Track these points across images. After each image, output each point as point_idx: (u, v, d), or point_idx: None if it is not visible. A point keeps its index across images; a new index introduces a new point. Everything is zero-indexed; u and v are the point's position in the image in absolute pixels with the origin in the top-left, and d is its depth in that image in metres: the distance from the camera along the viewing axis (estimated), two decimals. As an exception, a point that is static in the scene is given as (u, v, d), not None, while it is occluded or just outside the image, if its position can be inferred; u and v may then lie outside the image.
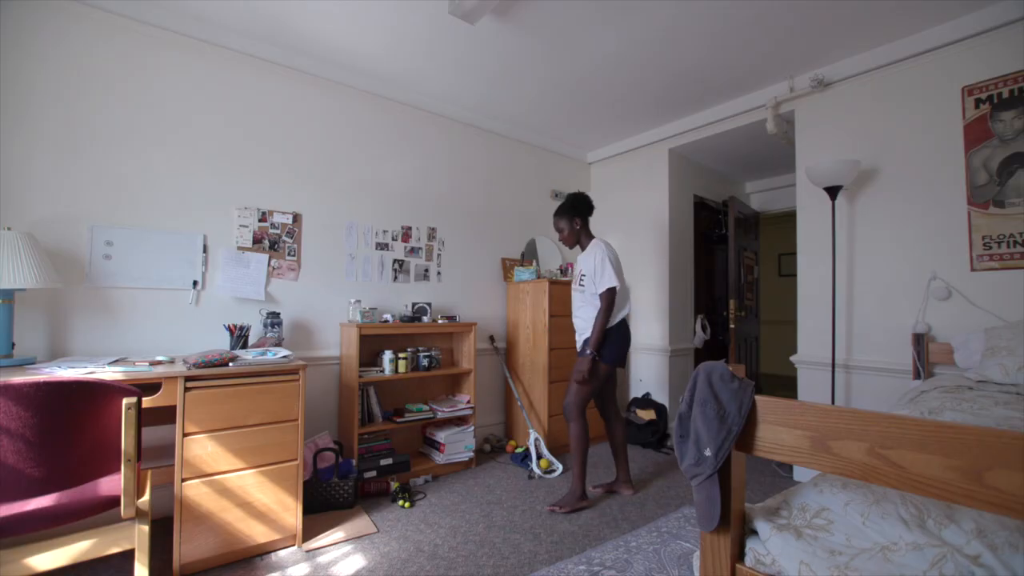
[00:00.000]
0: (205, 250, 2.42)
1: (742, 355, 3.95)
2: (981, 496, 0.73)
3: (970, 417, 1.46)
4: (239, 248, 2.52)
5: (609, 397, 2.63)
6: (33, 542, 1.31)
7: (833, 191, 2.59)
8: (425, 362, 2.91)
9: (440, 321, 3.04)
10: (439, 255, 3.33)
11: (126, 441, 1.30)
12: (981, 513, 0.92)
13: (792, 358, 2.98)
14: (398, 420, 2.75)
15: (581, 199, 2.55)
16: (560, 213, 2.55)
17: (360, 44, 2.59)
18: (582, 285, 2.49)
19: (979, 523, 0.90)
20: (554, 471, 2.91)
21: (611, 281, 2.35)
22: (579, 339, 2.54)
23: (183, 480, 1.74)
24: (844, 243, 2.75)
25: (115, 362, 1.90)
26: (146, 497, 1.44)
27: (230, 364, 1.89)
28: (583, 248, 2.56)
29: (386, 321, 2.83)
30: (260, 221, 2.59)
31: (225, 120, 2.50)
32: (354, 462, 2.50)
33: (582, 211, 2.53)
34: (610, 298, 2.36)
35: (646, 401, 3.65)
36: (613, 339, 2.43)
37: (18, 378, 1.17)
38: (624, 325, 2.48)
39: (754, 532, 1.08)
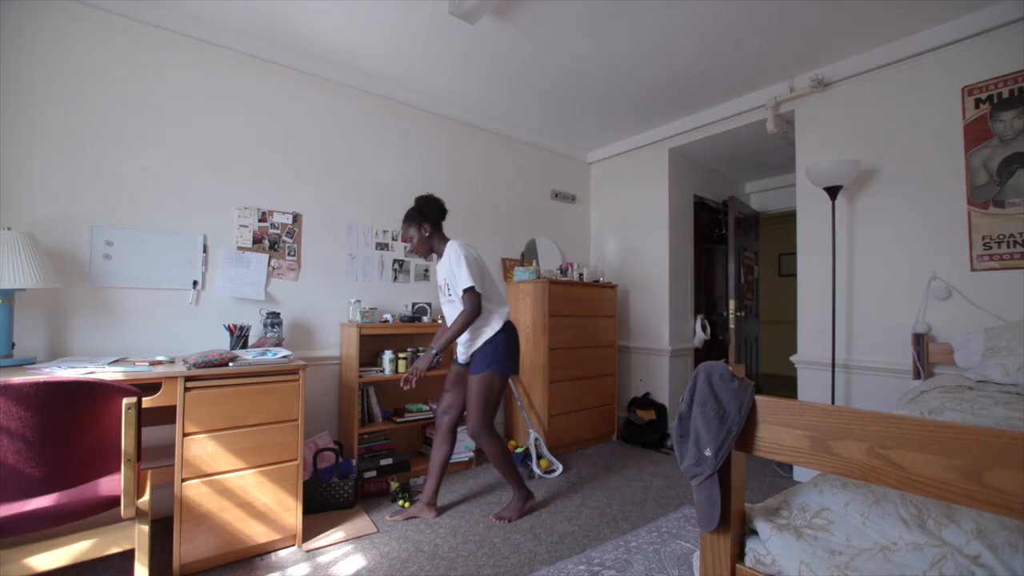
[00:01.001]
0: (205, 250, 2.42)
1: (742, 355, 3.95)
2: (981, 496, 0.73)
3: (970, 417, 1.46)
4: (239, 248, 2.52)
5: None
6: (33, 542, 1.31)
7: (833, 191, 2.59)
8: (425, 362, 2.90)
9: (440, 321, 3.04)
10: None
11: (126, 441, 1.30)
12: (981, 513, 0.92)
13: (792, 358, 2.98)
14: (398, 420, 2.75)
15: (428, 201, 2.30)
16: (406, 220, 2.29)
17: (360, 44, 2.59)
18: (451, 295, 2.25)
19: (979, 523, 0.90)
20: (554, 471, 2.91)
21: (466, 281, 2.11)
22: (462, 353, 2.31)
23: (183, 480, 1.74)
24: (844, 243, 2.75)
25: (115, 362, 1.90)
26: (146, 497, 1.44)
27: (230, 364, 1.89)
28: (439, 255, 2.32)
29: (386, 321, 2.83)
30: (260, 221, 2.59)
31: (225, 120, 2.50)
32: (354, 462, 2.50)
33: (430, 215, 2.28)
34: (473, 300, 2.11)
35: (646, 401, 3.65)
36: (506, 345, 2.23)
37: (18, 378, 1.17)
38: (511, 327, 2.29)
39: (754, 532, 1.08)
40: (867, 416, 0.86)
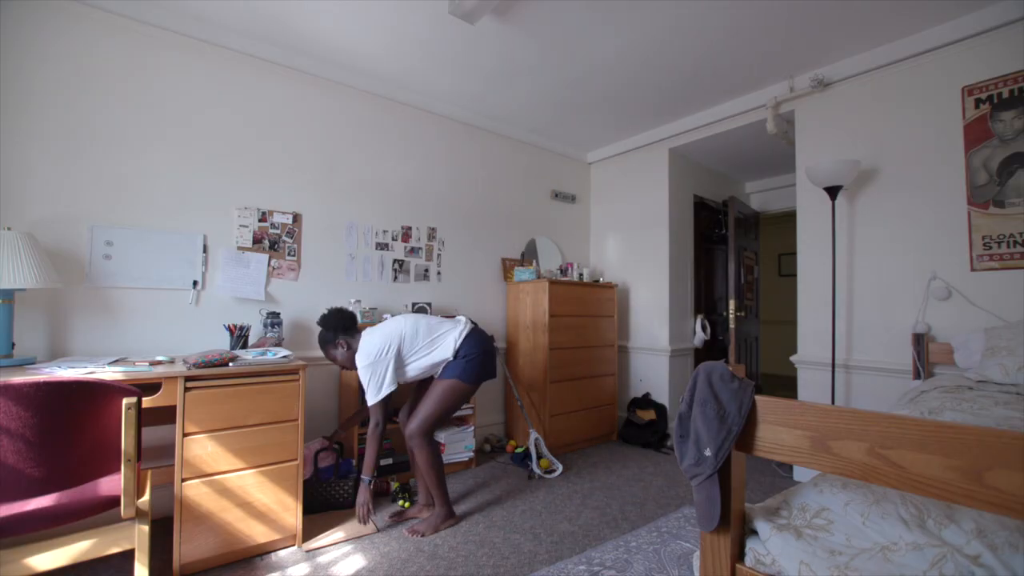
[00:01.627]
0: (205, 250, 2.42)
1: (742, 355, 3.95)
2: (981, 496, 0.73)
3: (970, 417, 1.46)
4: (239, 248, 2.52)
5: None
6: (33, 542, 1.31)
7: (833, 191, 2.59)
8: (425, 362, 2.90)
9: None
10: (439, 255, 3.33)
11: (126, 441, 1.30)
12: (981, 513, 0.92)
13: (792, 358, 2.98)
14: (398, 420, 2.74)
15: (329, 318, 2.15)
16: (322, 345, 2.19)
17: (360, 44, 2.59)
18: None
19: (979, 523, 0.90)
20: (554, 471, 2.91)
21: (370, 398, 2.04)
22: (439, 368, 2.22)
23: (183, 480, 1.74)
24: (844, 243, 2.75)
25: (115, 362, 1.89)
26: (146, 497, 1.44)
27: (230, 364, 1.89)
28: None
29: (386, 321, 2.82)
30: (260, 221, 2.59)
31: (225, 120, 2.50)
32: (353, 462, 2.50)
33: (339, 327, 2.15)
34: (375, 412, 2.05)
35: (646, 401, 3.65)
36: (475, 356, 2.15)
37: (18, 378, 1.17)
38: (473, 336, 2.21)
39: (754, 532, 1.08)
40: (867, 416, 0.86)
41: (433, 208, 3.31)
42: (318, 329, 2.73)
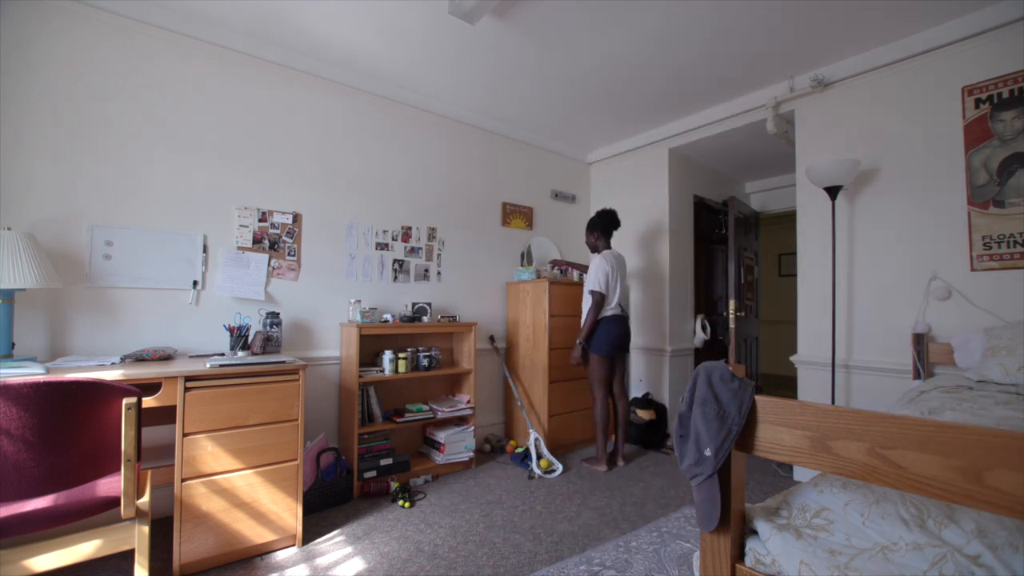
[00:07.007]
0: (205, 250, 2.42)
1: (742, 355, 3.94)
2: (981, 496, 0.73)
3: (970, 417, 1.46)
4: (239, 248, 2.52)
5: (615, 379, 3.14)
6: (33, 542, 1.31)
7: (833, 191, 2.59)
8: (425, 362, 2.90)
9: (440, 320, 3.04)
10: (439, 255, 3.33)
11: (126, 441, 1.30)
12: (981, 513, 0.92)
13: (792, 358, 2.98)
14: (398, 420, 2.74)
15: (597, 217, 3.22)
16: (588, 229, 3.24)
17: (360, 44, 2.59)
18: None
19: (979, 523, 0.90)
20: (554, 471, 2.90)
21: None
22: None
23: (183, 480, 1.74)
24: (844, 243, 2.75)
25: (117, 363, 1.89)
26: (146, 497, 1.44)
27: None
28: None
29: (386, 321, 2.83)
30: (260, 221, 2.59)
31: (225, 120, 2.50)
32: (346, 462, 2.50)
33: (597, 226, 3.19)
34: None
35: (646, 401, 3.64)
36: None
37: (17, 378, 1.17)
38: (607, 319, 3.01)
39: (754, 532, 1.08)
40: (867, 416, 0.86)
41: (433, 208, 3.31)
42: (318, 329, 2.77)
